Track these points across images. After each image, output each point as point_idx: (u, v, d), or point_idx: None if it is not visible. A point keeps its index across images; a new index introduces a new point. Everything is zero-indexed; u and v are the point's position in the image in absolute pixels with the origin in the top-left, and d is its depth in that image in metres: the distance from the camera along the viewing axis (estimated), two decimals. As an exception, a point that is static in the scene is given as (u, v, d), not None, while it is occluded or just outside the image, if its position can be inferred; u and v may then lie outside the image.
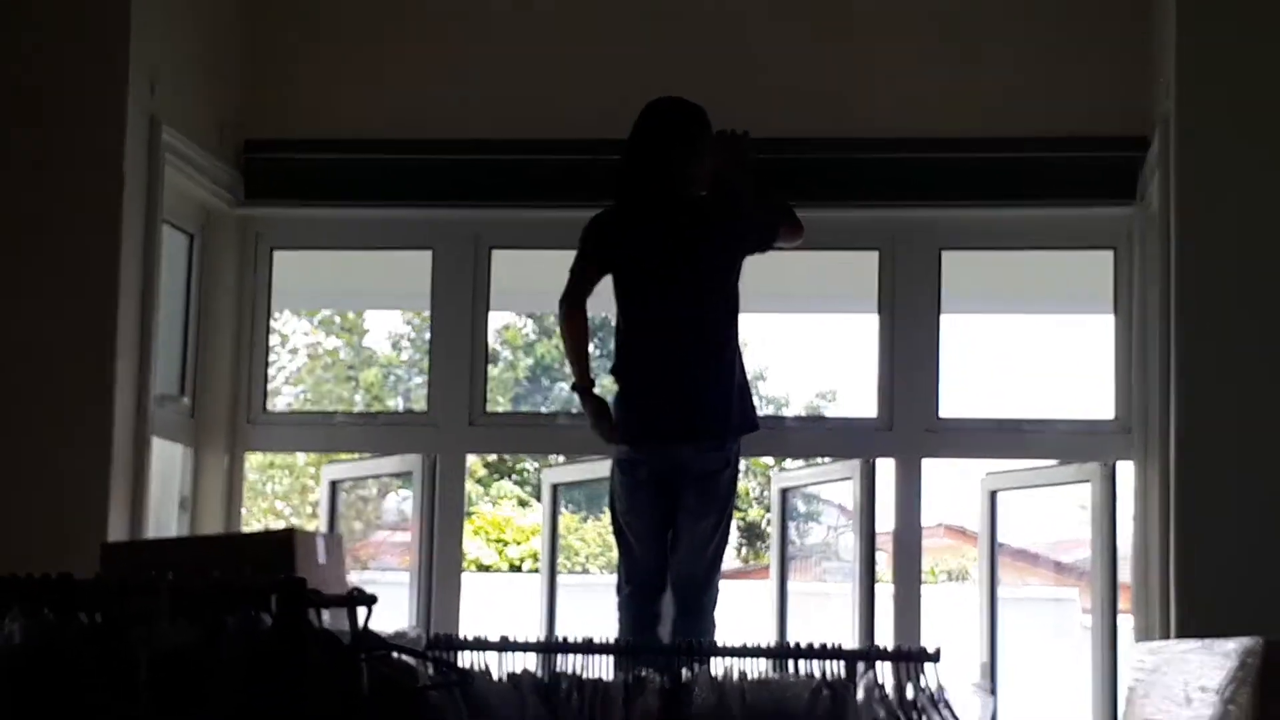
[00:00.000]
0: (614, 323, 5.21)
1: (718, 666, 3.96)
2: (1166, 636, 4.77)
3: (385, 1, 5.90)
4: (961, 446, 5.72)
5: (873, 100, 5.64)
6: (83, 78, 5.07)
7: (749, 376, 5.15)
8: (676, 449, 5.01)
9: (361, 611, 3.57)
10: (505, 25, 5.83)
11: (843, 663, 3.95)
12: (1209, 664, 4.17)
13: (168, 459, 5.61)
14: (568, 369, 5.25)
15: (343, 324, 15.47)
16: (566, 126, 5.53)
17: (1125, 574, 5.52)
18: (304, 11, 5.96)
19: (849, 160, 5.59)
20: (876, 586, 5.58)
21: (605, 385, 5.18)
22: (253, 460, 9.31)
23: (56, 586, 3.57)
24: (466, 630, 4.37)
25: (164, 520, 5.57)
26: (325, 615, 3.53)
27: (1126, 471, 5.45)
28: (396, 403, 15.60)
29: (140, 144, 5.16)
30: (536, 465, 14.44)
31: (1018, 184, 5.52)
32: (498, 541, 15.55)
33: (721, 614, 5.09)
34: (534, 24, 5.81)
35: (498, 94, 5.74)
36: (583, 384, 5.13)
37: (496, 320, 15.15)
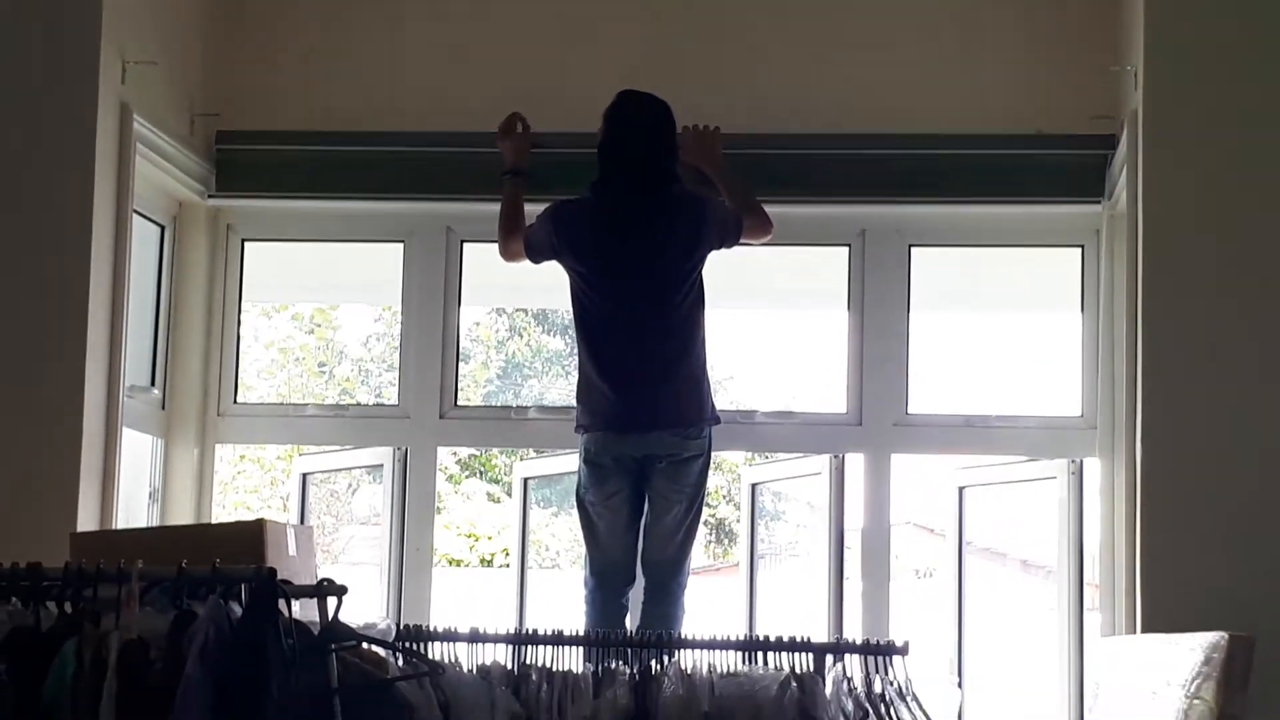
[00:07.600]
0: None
1: (687, 659, 3.97)
2: (1133, 632, 4.79)
3: (360, -7, 5.90)
4: (930, 442, 5.75)
5: (843, 96, 5.64)
6: (53, 63, 5.03)
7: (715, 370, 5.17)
8: (650, 436, 5.03)
9: (331, 602, 3.57)
10: (481, 18, 5.83)
11: (811, 655, 3.98)
12: (1174, 659, 4.21)
13: (138, 450, 5.60)
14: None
15: (315, 318, 15.38)
16: (540, 120, 5.53)
17: (1093, 570, 5.55)
18: (278, 2, 5.95)
19: (819, 156, 5.60)
20: (845, 583, 5.60)
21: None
22: (223, 455, 9.28)
23: (26, 575, 3.57)
24: (437, 623, 4.39)
25: (134, 511, 5.56)
26: (295, 606, 3.53)
27: (1093, 468, 5.48)
28: (368, 396, 15.54)
29: (111, 131, 5.12)
30: (509, 461, 14.41)
31: (986, 181, 5.54)
32: (469, 537, 15.52)
33: (691, 603, 5.11)
34: (509, 18, 5.82)
35: (471, 86, 5.74)
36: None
37: (468, 316, 15.10)
